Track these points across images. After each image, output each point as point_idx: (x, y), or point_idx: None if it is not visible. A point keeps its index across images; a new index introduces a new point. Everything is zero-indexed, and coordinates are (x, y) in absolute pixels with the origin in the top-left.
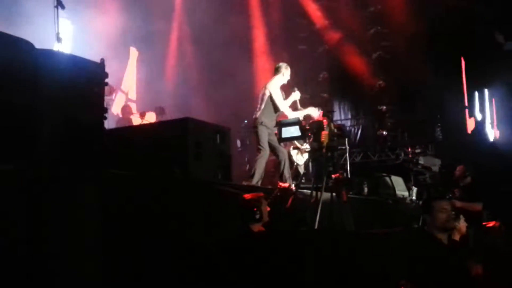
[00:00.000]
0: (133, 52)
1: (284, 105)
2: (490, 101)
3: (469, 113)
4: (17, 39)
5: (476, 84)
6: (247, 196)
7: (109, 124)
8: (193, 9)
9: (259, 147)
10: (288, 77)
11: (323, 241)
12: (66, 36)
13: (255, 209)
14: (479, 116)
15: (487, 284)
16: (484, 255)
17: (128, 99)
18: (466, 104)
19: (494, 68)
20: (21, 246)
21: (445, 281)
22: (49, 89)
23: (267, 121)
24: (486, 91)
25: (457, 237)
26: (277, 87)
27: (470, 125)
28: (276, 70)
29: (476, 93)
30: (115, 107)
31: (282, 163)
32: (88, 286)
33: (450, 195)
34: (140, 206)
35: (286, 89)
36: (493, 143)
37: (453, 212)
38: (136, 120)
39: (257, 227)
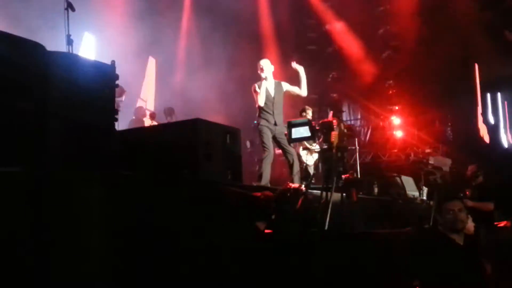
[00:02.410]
0: (151, 61)
1: (258, 100)
2: (503, 104)
3: (481, 114)
4: (28, 41)
5: (488, 86)
6: (258, 194)
7: (119, 125)
8: (202, 10)
9: (263, 147)
10: (262, 71)
11: (333, 242)
12: (90, 50)
13: (269, 209)
14: (492, 120)
15: (500, 283)
16: (496, 254)
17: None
18: (480, 107)
19: (506, 70)
20: (27, 248)
21: (458, 281)
22: (59, 91)
23: (263, 120)
24: (498, 94)
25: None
26: (254, 87)
27: (482, 126)
28: None
29: (488, 95)
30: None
31: (291, 164)
32: None
33: (462, 194)
34: (150, 207)
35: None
36: (507, 149)
37: (463, 213)
38: (146, 121)
39: (263, 226)
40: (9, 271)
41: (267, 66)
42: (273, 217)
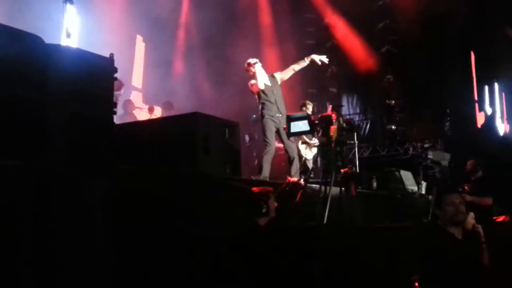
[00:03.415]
0: (140, 42)
1: (258, 84)
2: (500, 95)
3: (479, 107)
4: (26, 33)
5: (486, 78)
6: (255, 189)
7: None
8: (200, 4)
9: (265, 142)
10: (249, 65)
11: (332, 236)
12: (75, 31)
13: (261, 202)
14: (489, 110)
15: (498, 278)
16: (494, 249)
17: (135, 89)
18: (476, 98)
19: (504, 61)
20: (28, 243)
21: (457, 275)
22: (58, 84)
23: (267, 113)
24: (496, 84)
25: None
26: (251, 82)
27: (480, 119)
28: None
29: (486, 87)
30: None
31: (291, 159)
32: (96, 285)
33: (460, 189)
34: (149, 201)
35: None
36: (504, 137)
37: (463, 206)
38: (144, 115)
39: (263, 221)
40: (11, 267)
41: (254, 60)
42: (263, 210)
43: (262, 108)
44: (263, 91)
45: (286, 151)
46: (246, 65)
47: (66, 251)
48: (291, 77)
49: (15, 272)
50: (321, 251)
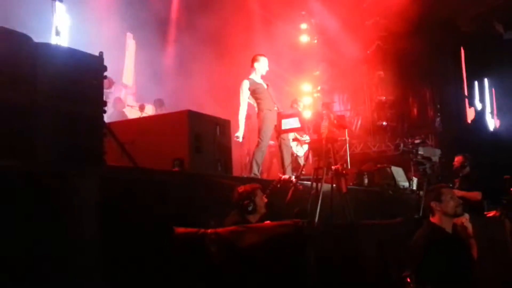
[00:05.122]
0: (130, 40)
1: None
2: (490, 91)
3: (469, 103)
4: (14, 32)
5: (476, 74)
6: (241, 188)
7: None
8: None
9: (259, 138)
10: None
11: (324, 233)
12: (64, 30)
13: (246, 201)
14: (479, 106)
15: (490, 272)
16: (484, 244)
17: (128, 92)
18: (466, 93)
19: (493, 57)
20: (17, 244)
21: (449, 270)
22: (47, 83)
23: (267, 105)
24: (485, 80)
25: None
26: (244, 87)
27: (470, 115)
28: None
29: (476, 83)
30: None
31: (284, 156)
32: (87, 285)
33: (451, 185)
34: (140, 200)
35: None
36: (494, 133)
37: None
38: (135, 113)
39: (254, 218)
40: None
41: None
42: (249, 209)
43: (259, 104)
44: (260, 87)
45: (280, 147)
46: (265, 62)
47: (56, 250)
48: (281, 72)
49: (7, 275)
50: (313, 247)
